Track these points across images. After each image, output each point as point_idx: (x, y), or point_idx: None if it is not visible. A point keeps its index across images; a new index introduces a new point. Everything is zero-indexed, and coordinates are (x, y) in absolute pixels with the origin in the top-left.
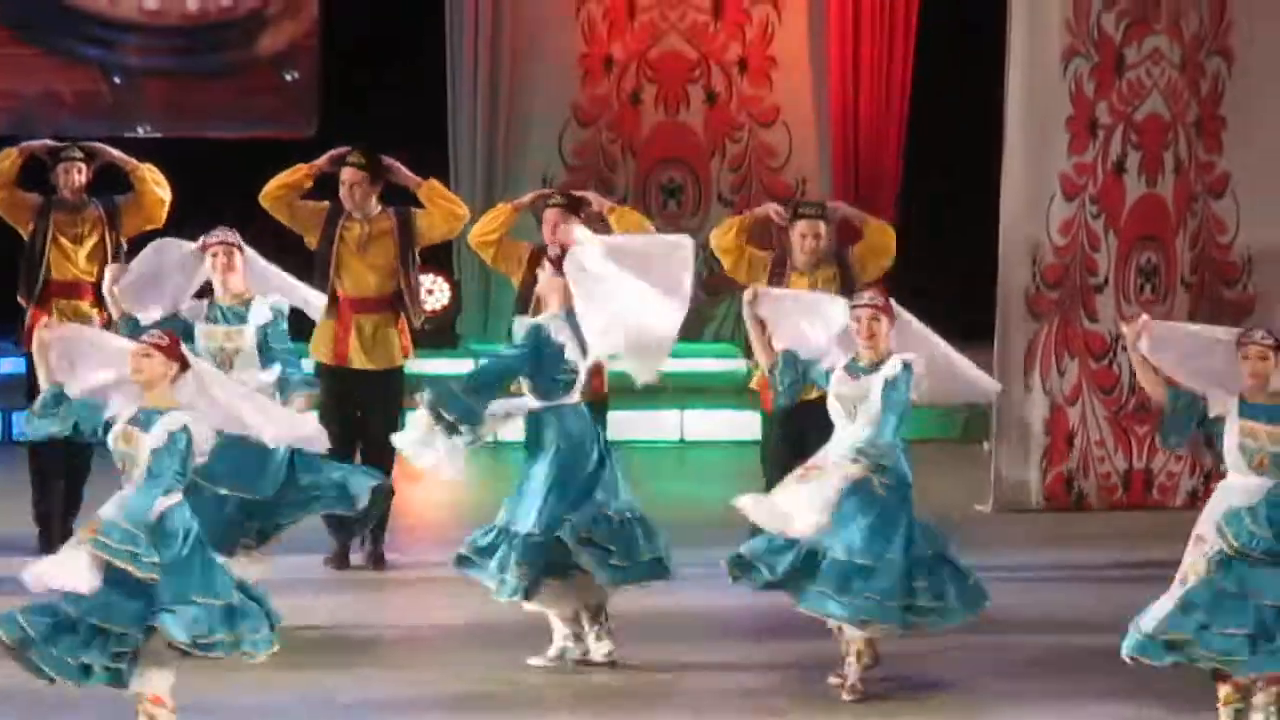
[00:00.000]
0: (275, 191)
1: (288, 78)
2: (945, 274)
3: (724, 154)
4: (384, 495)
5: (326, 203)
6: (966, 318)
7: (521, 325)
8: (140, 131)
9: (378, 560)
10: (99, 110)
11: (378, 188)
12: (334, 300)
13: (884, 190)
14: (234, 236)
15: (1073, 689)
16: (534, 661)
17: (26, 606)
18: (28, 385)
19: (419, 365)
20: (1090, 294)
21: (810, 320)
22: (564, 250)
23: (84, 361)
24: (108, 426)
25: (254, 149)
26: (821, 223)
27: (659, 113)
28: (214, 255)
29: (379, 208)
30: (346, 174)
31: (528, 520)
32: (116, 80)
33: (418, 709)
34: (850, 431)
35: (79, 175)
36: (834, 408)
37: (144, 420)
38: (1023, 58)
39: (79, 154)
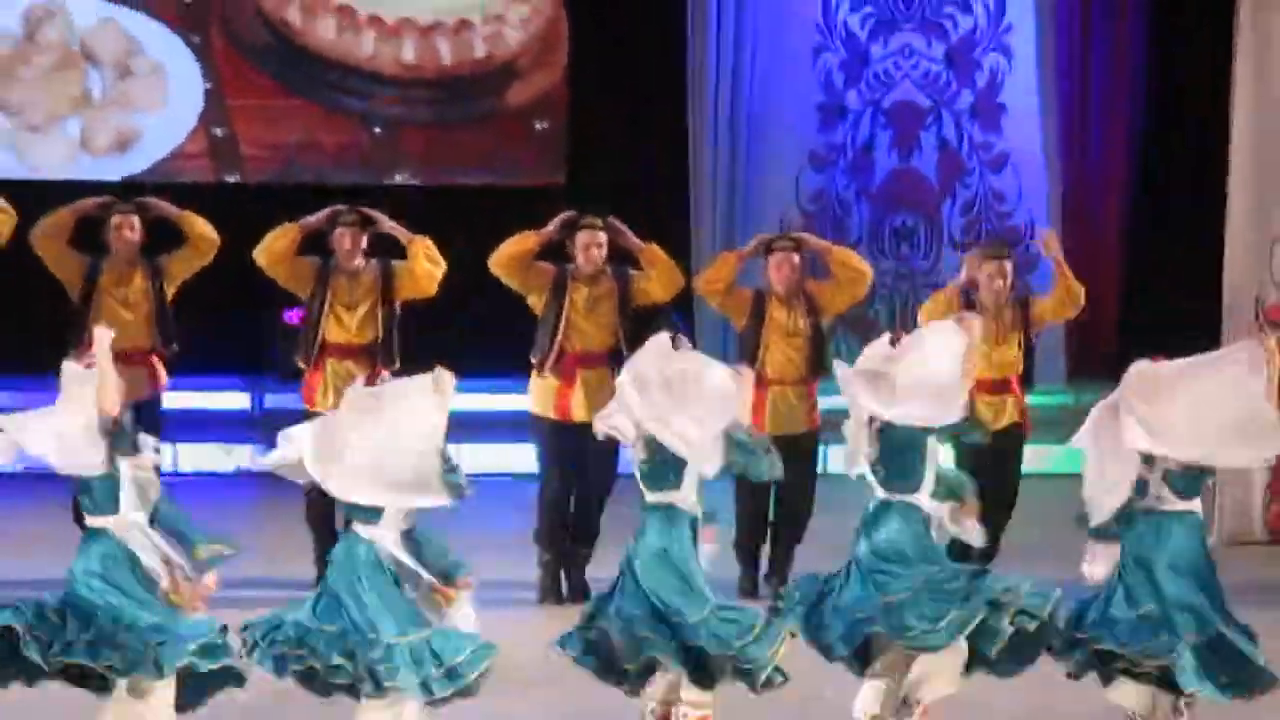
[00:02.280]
0: (507, 260)
1: (538, 127)
2: (1169, 315)
3: (955, 198)
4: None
5: (552, 266)
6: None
7: None
8: (397, 179)
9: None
10: (358, 159)
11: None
12: (560, 358)
13: (1109, 234)
14: None
15: None
16: None
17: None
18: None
19: None
20: None
21: None
22: None
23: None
24: None
25: (506, 196)
26: (1009, 263)
27: (892, 158)
28: None
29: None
30: (586, 236)
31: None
32: (375, 130)
33: None
34: None
35: (355, 241)
36: None
37: None
38: (1248, 105)
39: (355, 219)
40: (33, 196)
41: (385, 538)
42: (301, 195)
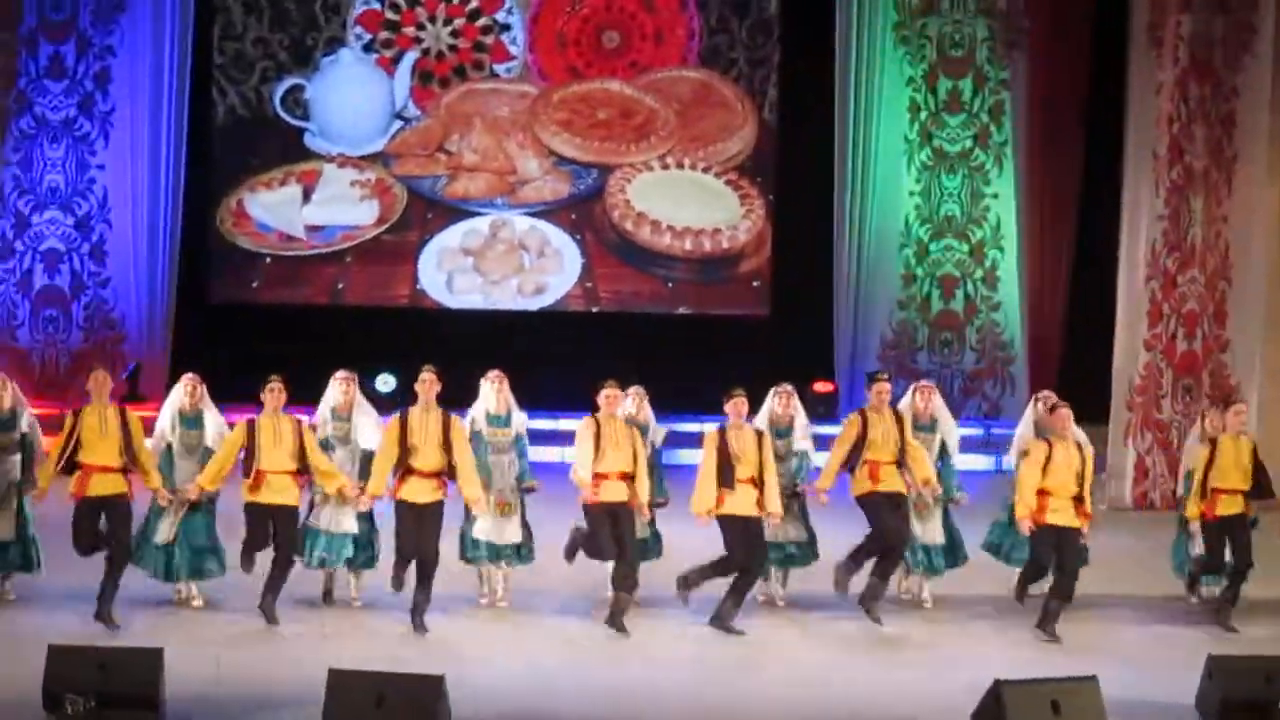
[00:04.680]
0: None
1: (755, 284)
2: (1085, 385)
3: (973, 323)
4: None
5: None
6: (1093, 410)
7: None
8: (679, 311)
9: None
10: (660, 300)
11: None
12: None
13: (1054, 332)
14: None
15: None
16: None
17: None
18: None
19: None
20: (1160, 400)
21: None
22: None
23: None
24: None
25: (737, 320)
26: (887, 384)
27: (940, 304)
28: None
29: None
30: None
31: None
32: (669, 284)
33: None
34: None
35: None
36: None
37: None
38: (1126, 282)
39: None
40: (493, 319)
41: None
42: (630, 319)
